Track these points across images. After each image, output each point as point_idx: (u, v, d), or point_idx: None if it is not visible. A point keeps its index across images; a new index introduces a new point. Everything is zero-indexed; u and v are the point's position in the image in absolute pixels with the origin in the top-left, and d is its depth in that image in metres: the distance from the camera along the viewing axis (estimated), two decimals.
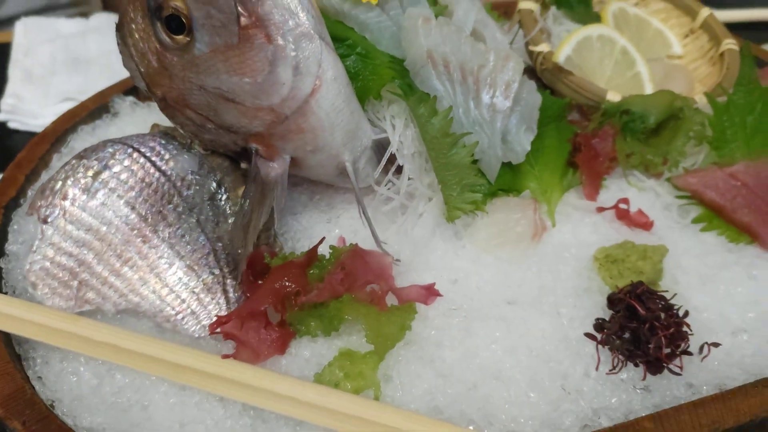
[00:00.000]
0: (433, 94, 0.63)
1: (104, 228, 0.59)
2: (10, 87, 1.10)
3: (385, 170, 0.63)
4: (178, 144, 0.64)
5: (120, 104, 0.80)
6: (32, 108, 1.07)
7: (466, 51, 0.65)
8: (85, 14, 1.30)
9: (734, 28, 1.00)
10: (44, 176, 0.73)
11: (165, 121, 0.67)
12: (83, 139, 0.77)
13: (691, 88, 0.80)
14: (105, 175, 0.60)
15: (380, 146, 0.64)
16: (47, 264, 0.59)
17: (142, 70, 0.60)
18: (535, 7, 0.80)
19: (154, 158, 0.62)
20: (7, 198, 0.69)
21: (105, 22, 1.26)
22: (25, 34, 1.22)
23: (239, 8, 0.51)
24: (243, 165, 0.65)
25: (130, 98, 0.81)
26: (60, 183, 0.60)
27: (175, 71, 0.57)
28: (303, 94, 0.54)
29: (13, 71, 1.13)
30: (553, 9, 0.80)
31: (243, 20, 0.51)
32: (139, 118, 0.79)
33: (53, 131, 0.76)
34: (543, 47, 0.76)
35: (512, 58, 0.66)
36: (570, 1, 0.80)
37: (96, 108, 0.79)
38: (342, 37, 0.64)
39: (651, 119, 0.69)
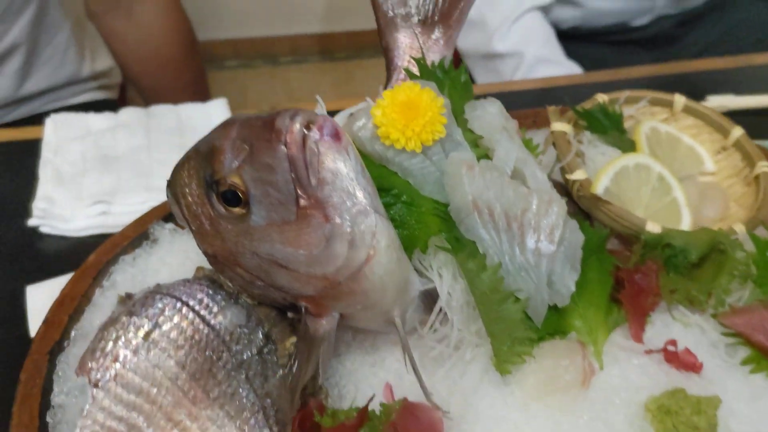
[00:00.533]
0: (480, 243, 0.64)
1: (154, 390, 0.59)
2: (41, 189, 1.11)
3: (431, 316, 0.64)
4: (226, 294, 0.64)
5: (159, 231, 0.81)
6: (64, 212, 1.07)
7: (509, 195, 0.65)
8: (113, 107, 1.32)
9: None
10: (87, 314, 0.73)
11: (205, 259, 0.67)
12: (124, 270, 0.77)
13: (726, 208, 0.80)
14: (156, 334, 0.61)
15: (427, 295, 0.64)
16: (97, 428, 0.59)
17: (194, 228, 0.61)
18: (568, 129, 0.81)
19: (203, 312, 0.63)
20: (51, 342, 0.69)
21: (134, 116, 1.28)
22: (55, 131, 1.23)
23: (298, 191, 0.52)
24: (290, 314, 0.65)
25: (169, 225, 0.82)
26: (111, 344, 0.60)
27: (229, 236, 0.57)
28: (357, 263, 0.55)
29: (44, 171, 1.14)
30: (587, 133, 0.80)
31: (302, 201, 0.52)
32: (178, 246, 0.80)
33: (94, 264, 0.77)
34: (580, 175, 0.76)
35: (555, 201, 0.66)
36: (602, 124, 0.81)
37: (137, 236, 0.80)
38: (387, 185, 0.64)
39: (693, 254, 0.69)
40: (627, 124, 0.86)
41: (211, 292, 0.64)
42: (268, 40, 2.94)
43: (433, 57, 0.75)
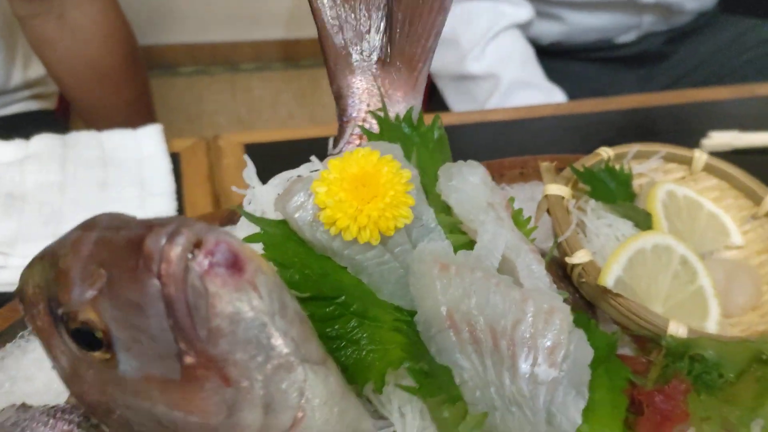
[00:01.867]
0: (456, 369, 0.47)
1: None
2: None
3: None
4: None
5: None
6: None
7: (496, 303, 0.48)
8: (50, 119, 1.13)
9: None
10: None
11: None
12: None
13: (759, 293, 0.65)
14: None
15: None
16: None
17: (49, 358, 0.43)
18: (566, 193, 0.65)
19: None
20: None
21: (47, 145, 1.08)
22: None
23: (181, 345, 0.34)
24: None
25: None
26: None
27: (92, 381, 0.39)
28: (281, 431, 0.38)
29: None
30: (591, 201, 0.64)
31: (187, 359, 0.34)
32: None
33: None
34: (583, 256, 0.60)
35: (557, 310, 0.49)
36: (609, 189, 0.65)
37: (9, 326, 0.61)
38: (329, 288, 0.47)
39: (730, 370, 0.54)
40: (636, 183, 0.70)
41: None
42: (228, 46, 2.74)
43: (397, 107, 0.58)
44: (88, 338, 0.36)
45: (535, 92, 1.38)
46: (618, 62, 1.60)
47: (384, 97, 0.57)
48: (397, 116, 0.57)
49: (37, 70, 1.42)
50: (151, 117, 1.53)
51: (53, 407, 0.50)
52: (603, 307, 0.60)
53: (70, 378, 0.41)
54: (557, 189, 0.65)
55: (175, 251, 0.32)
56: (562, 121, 1.21)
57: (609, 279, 0.57)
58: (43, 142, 1.09)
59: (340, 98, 0.58)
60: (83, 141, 1.10)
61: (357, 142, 0.58)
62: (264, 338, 0.35)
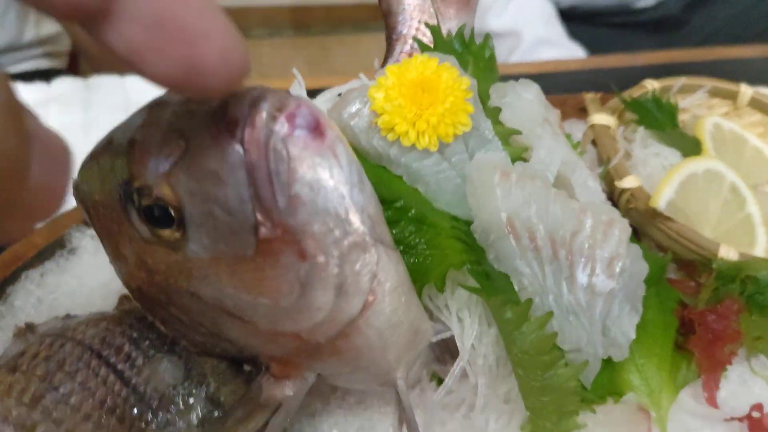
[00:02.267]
0: (515, 277, 0.46)
1: None
2: None
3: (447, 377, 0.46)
4: (157, 338, 0.46)
5: (79, 238, 0.62)
6: None
7: (555, 213, 0.48)
8: (47, 77, 1.12)
9: None
10: None
11: None
12: (28, 291, 0.57)
13: None
14: (48, 400, 0.42)
15: (441, 344, 0.46)
16: None
17: (109, 250, 0.42)
18: (612, 122, 0.64)
19: (120, 366, 0.44)
20: None
21: (70, 88, 1.07)
22: None
23: (258, 216, 0.33)
24: (247, 367, 0.47)
25: (93, 231, 0.62)
26: None
27: (156, 268, 0.38)
28: (347, 317, 0.37)
29: None
30: (640, 129, 0.63)
31: (264, 232, 0.33)
32: (102, 258, 0.58)
33: None
34: (631, 182, 0.59)
35: (616, 222, 0.49)
36: (655, 118, 0.64)
37: (47, 246, 0.60)
38: (388, 194, 0.46)
39: None
40: (679, 118, 0.69)
41: (135, 335, 0.45)
42: (239, 11, 2.70)
43: (449, 25, 0.57)
44: (159, 216, 0.35)
45: (557, 51, 1.36)
46: (636, 28, 1.58)
47: (437, 14, 0.55)
48: (449, 33, 0.56)
49: (49, 27, 1.40)
50: None
51: (101, 313, 0.49)
52: (651, 233, 0.59)
53: (131, 271, 0.40)
54: (603, 119, 0.64)
55: (260, 116, 0.31)
56: (587, 76, 1.20)
57: (661, 201, 0.56)
58: (66, 84, 1.08)
59: (389, 15, 0.57)
60: (106, 85, 1.09)
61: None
62: (342, 211, 0.33)
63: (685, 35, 1.58)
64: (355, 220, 0.34)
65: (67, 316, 0.52)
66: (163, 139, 0.34)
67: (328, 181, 0.33)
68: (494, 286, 0.44)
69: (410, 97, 0.47)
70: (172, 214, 0.35)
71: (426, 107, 0.47)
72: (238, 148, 0.32)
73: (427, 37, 0.57)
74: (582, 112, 0.73)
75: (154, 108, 0.35)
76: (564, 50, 1.39)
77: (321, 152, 0.32)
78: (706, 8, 1.57)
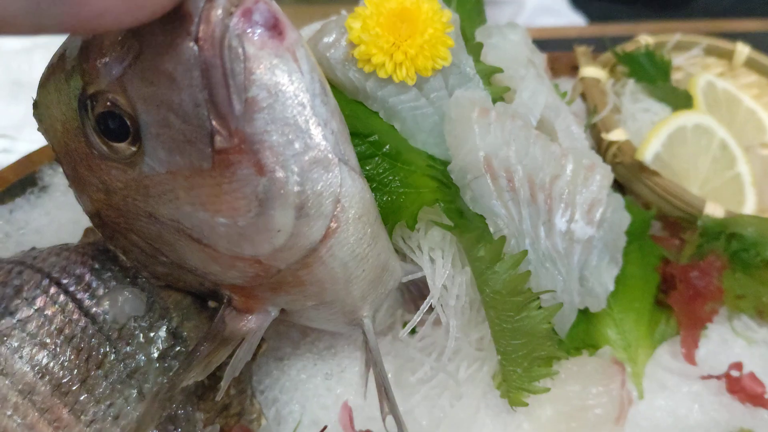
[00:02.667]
0: (491, 218, 0.44)
1: None
2: None
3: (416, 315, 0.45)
4: (119, 270, 0.44)
5: (51, 176, 0.60)
6: None
7: (535, 155, 0.46)
8: None
9: None
10: None
11: None
12: None
13: None
14: (3, 324, 0.40)
15: (412, 285, 0.45)
16: None
17: (68, 172, 0.40)
18: (602, 76, 0.62)
19: (80, 295, 0.42)
20: None
21: (54, 37, 1.04)
22: None
23: (214, 123, 0.31)
24: (212, 303, 0.46)
25: None
26: None
27: (114, 188, 0.37)
28: (308, 242, 0.35)
29: None
30: (630, 82, 0.61)
31: (219, 141, 0.31)
32: (74, 197, 0.58)
33: None
34: (619, 135, 0.57)
35: (598, 167, 0.47)
36: (648, 72, 0.62)
37: (18, 181, 0.59)
38: (362, 128, 0.45)
39: None
40: (672, 77, 0.67)
41: (97, 266, 0.44)
42: None
43: None
44: (114, 128, 0.34)
45: (559, 19, 1.34)
46: (639, 5, 1.55)
47: None
48: None
49: None
50: None
51: (64, 244, 0.48)
52: (637, 189, 0.58)
53: (90, 193, 0.39)
54: (593, 71, 0.63)
55: (215, 11, 0.29)
56: (586, 43, 1.17)
57: (647, 154, 0.55)
58: None
59: None
60: None
61: None
62: (303, 121, 0.32)
63: (689, 14, 1.56)
64: (317, 133, 0.32)
65: (33, 249, 0.51)
66: (115, 40, 0.32)
67: (287, 86, 0.31)
68: (468, 226, 0.43)
69: (388, 26, 0.45)
70: (128, 124, 0.33)
71: (405, 38, 0.45)
72: (192, 45, 0.30)
73: None
74: (574, 71, 0.71)
75: None
76: (565, 19, 1.36)
77: (279, 53, 0.31)
78: None
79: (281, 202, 0.33)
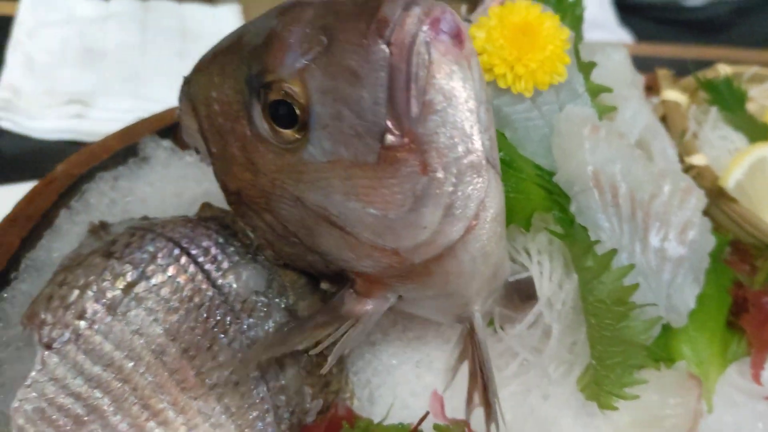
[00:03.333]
0: (594, 230, 0.47)
1: (130, 364, 0.42)
2: (6, 76, 0.91)
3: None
4: (241, 246, 0.47)
5: (152, 148, 0.63)
6: (30, 106, 0.88)
7: (637, 174, 0.49)
8: None
9: None
10: (45, 240, 0.55)
11: (215, 191, 0.50)
12: (101, 191, 0.59)
13: None
14: (140, 287, 0.43)
15: (517, 286, 0.48)
16: (44, 405, 0.42)
17: (214, 150, 0.43)
18: (684, 101, 0.65)
19: (207, 266, 0.45)
20: None
21: (128, 8, 1.07)
22: (33, 10, 1.02)
23: (389, 121, 0.34)
24: (324, 285, 0.48)
25: (167, 143, 0.63)
26: (76, 292, 0.43)
27: (265, 169, 0.40)
28: (447, 240, 0.38)
29: (13, 55, 0.94)
30: (713, 110, 0.64)
31: (390, 139, 0.34)
32: (175, 170, 0.61)
33: (63, 176, 0.58)
34: (700, 159, 0.60)
35: (694, 191, 0.50)
36: (727, 101, 0.65)
37: (122, 149, 0.61)
38: None
39: None
40: (747, 108, 0.69)
41: (221, 240, 0.47)
42: None
43: None
44: (284, 114, 0.36)
45: (607, 34, 1.37)
46: (682, 26, 1.58)
47: None
48: None
49: None
50: None
51: (183, 216, 0.51)
52: (712, 213, 0.60)
53: (236, 168, 0.41)
54: (675, 95, 0.65)
55: (411, 18, 0.32)
56: (637, 62, 1.20)
57: (730, 180, 0.58)
58: (124, 3, 1.08)
59: None
60: (163, 9, 1.09)
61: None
62: (468, 127, 0.34)
63: (730, 39, 1.59)
64: (478, 138, 0.35)
65: (145, 218, 0.53)
66: (304, 34, 0.34)
67: (461, 92, 0.33)
68: (576, 235, 0.46)
69: (512, 39, 0.48)
70: (297, 113, 0.36)
71: (526, 52, 0.47)
72: (384, 47, 0.32)
73: None
74: (647, 91, 0.74)
75: (292, 8, 0.36)
76: (613, 35, 1.39)
77: (459, 61, 0.33)
78: (755, 14, 1.57)
79: (434, 201, 0.36)
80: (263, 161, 0.39)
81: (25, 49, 0.96)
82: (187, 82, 0.43)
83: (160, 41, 1.03)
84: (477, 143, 0.35)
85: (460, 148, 0.35)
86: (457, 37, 0.33)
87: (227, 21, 1.10)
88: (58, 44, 0.99)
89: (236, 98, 0.38)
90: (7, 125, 0.86)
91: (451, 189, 0.36)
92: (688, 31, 1.58)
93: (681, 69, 1.30)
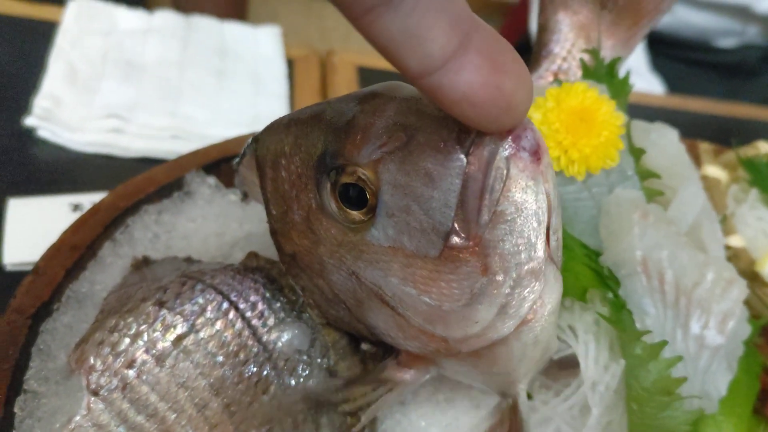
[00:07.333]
0: (639, 315, 0.48)
1: (173, 416, 0.43)
2: (48, 84, 0.92)
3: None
4: (287, 302, 0.48)
5: (197, 184, 0.63)
6: (70, 118, 0.89)
7: (683, 261, 0.49)
8: (148, 6, 1.12)
9: None
10: (89, 272, 0.56)
11: (257, 233, 0.50)
12: (145, 225, 0.59)
13: None
14: (189, 340, 0.44)
15: (560, 362, 0.48)
16: None
17: (274, 212, 0.44)
18: (723, 177, 0.65)
19: (254, 322, 0.46)
20: (37, 301, 0.52)
21: (170, 23, 1.08)
22: (77, 18, 1.03)
23: (455, 224, 0.34)
24: (365, 346, 0.49)
25: (212, 180, 0.64)
26: (127, 341, 0.44)
27: (326, 242, 0.40)
28: (498, 335, 0.38)
29: (55, 63, 0.95)
30: (754, 191, 0.64)
31: (455, 240, 0.34)
32: (218, 208, 0.62)
33: (109, 208, 0.59)
34: (737, 241, 0.61)
35: (736, 282, 0.50)
36: (766, 180, 0.65)
37: (167, 184, 0.62)
38: None
39: None
40: None
41: (268, 295, 0.48)
42: None
43: (602, 54, 0.58)
44: (353, 196, 0.37)
45: (639, 81, 1.38)
46: (711, 68, 1.58)
47: (599, 40, 0.57)
48: (601, 62, 0.57)
49: None
50: (244, 14, 1.52)
51: (228, 264, 0.51)
52: None
53: (295, 234, 0.42)
54: (716, 172, 0.66)
55: (492, 136, 0.33)
56: (667, 114, 1.21)
57: (767, 267, 0.58)
58: (167, 18, 1.09)
59: (544, 31, 0.58)
60: (205, 27, 1.10)
61: (550, 79, 0.58)
62: (534, 236, 0.35)
63: (758, 86, 1.59)
64: (541, 247, 0.35)
65: (189, 259, 0.54)
66: (385, 128, 0.35)
67: (531, 204, 0.34)
68: (624, 319, 0.46)
69: (568, 123, 0.48)
70: (368, 197, 0.36)
71: (581, 137, 0.48)
72: (462, 157, 0.33)
73: (576, 61, 0.58)
74: None
75: (374, 98, 0.37)
76: (645, 82, 1.40)
77: (534, 176, 0.34)
78: None
79: (490, 300, 0.36)
80: (325, 234, 0.40)
81: (68, 58, 0.97)
82: (256, 140, 0.43)
83: (200, 59, 1.04)
84: (540, 251, 0.35)
85: (523, 255, 0.35)
86: (536, 153, 0.34)
87: (266, 43, 1.11)
88: (100, 55, 0.99)
89: (306, 171, 0.39)
90: (46, 134, 0.87)
91: (508, 291, 0.36)
92: (716, 73, 1.58)
93: (710, 122, 1.31)
